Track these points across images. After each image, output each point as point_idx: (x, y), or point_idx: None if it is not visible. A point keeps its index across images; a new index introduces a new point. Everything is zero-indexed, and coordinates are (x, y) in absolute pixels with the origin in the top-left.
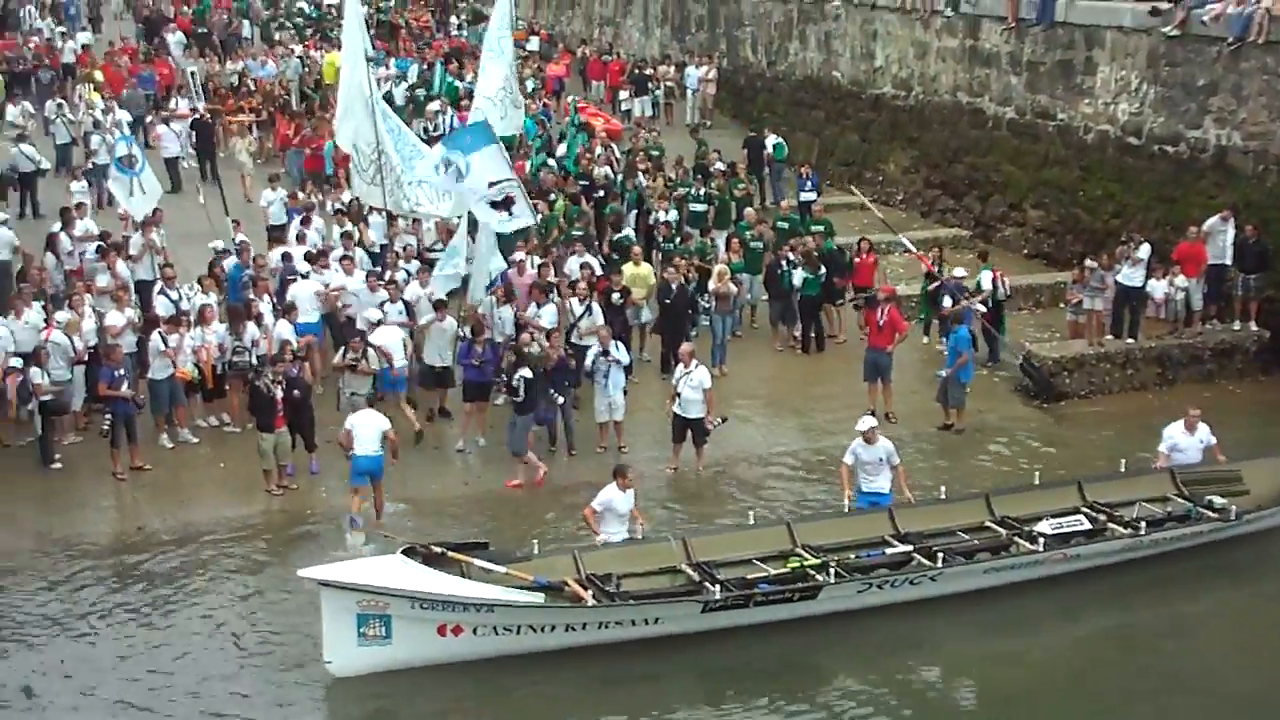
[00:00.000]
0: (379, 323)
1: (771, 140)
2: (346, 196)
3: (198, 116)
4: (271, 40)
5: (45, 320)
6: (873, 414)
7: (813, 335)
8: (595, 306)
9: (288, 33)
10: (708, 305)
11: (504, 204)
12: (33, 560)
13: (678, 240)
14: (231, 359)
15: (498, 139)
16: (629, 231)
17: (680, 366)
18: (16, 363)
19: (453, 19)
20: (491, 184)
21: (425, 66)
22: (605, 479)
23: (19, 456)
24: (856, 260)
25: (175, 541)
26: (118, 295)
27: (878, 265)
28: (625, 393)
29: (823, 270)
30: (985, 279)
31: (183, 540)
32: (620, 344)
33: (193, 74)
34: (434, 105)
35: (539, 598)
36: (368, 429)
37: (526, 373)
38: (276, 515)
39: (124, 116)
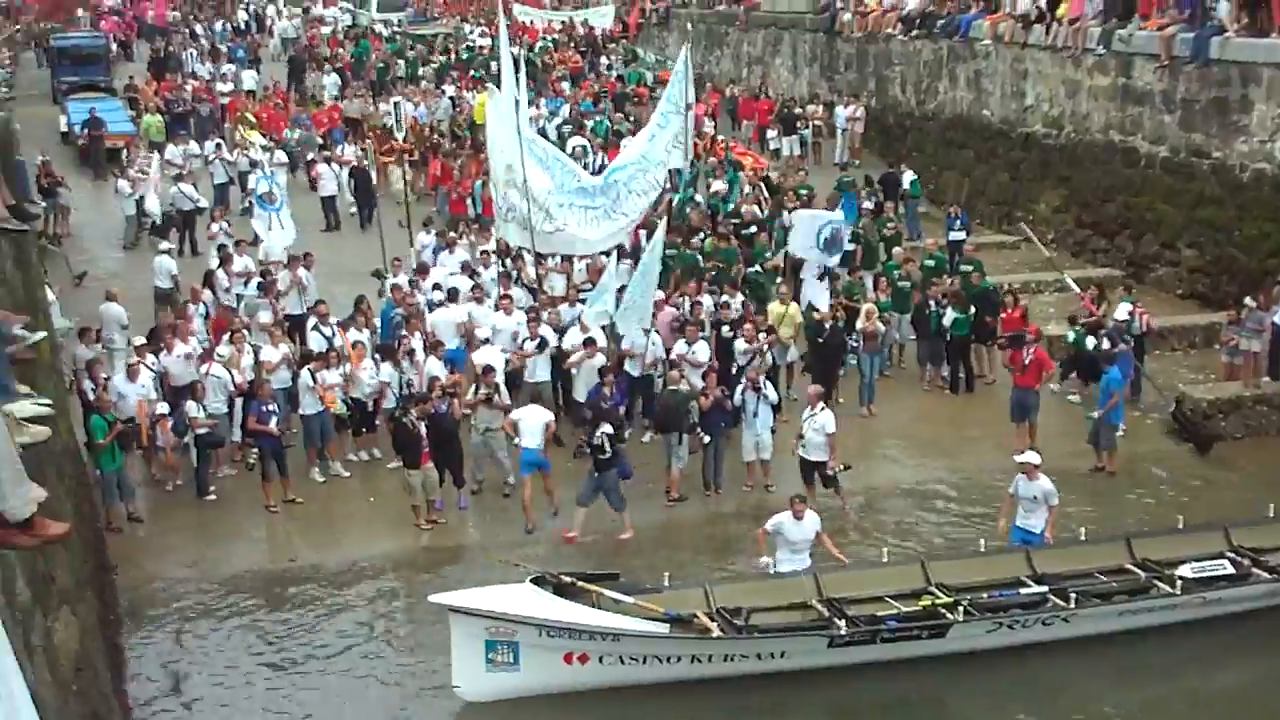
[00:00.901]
0: (486, 340)
1: (908, 177)
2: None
3: (356, 165)
4: (417, 80)
5: (202, 354)
6: (1033, 450)
7: (961, 375)
8: (767, 348)
9: (431, 69)
10: (855, 344)
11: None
12: (185, 588)
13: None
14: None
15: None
16: (758, 268)
17: (808, 408)
18: (163, 408)
19: (604, 60)
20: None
21: (574, 107)
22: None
23: (176, 488)
24: (1004, 314)
25: (323, 572)
26: (271, 331)
27: (1026, 315)
28: (773, 431)
29: (972, 310)
30: (1122, 311)
31: (330, 571)
32: (769, 382)
33: (395, 108)
34: (578, 140)
35: (664, 628)
36: (534, 422)
37: (608, 429)
38: (423, 549)
39: (281, 157)
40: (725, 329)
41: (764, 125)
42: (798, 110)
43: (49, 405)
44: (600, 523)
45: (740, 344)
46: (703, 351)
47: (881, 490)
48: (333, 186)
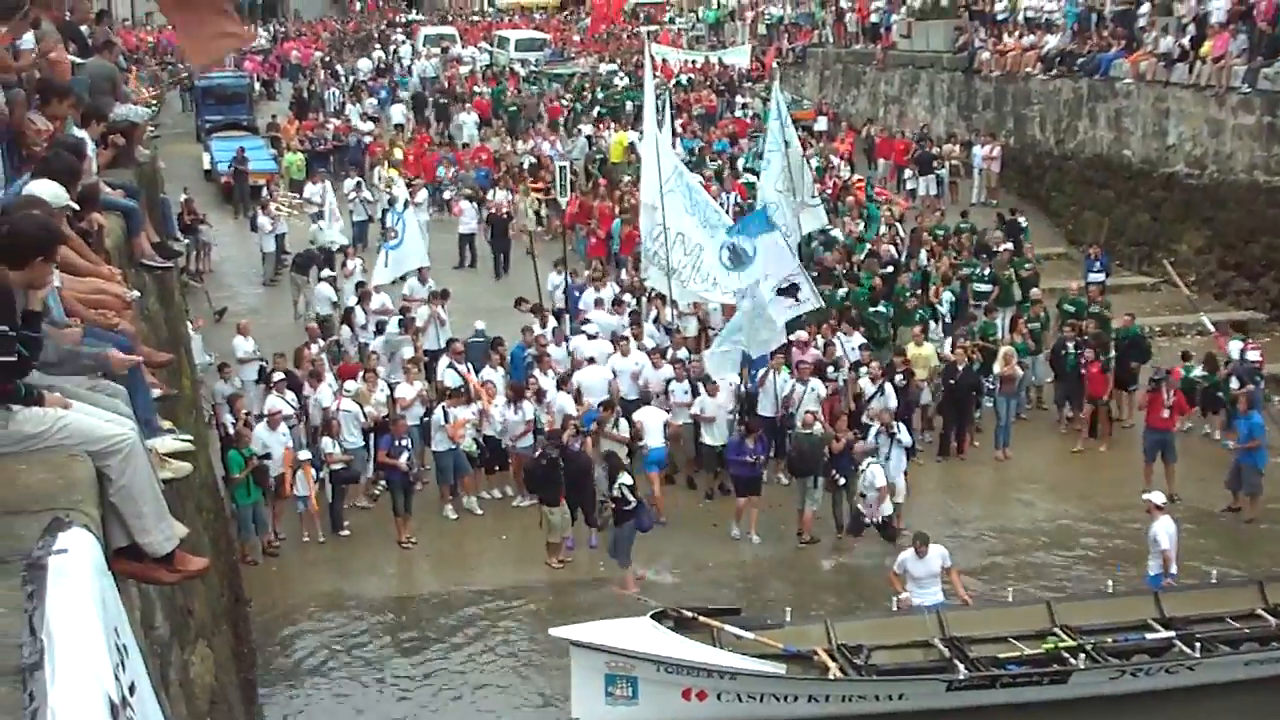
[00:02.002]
0: (591, 359)
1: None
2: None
3: (492, 211)
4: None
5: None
6: (1161, 491)
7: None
8: (888, 387)
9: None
10: (991, 386)
11: (789, 290)
12: (317, 622)
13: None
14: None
15: (777, 226)
16: (881, 308)
17: (858, 466)
18: (305, 454)
19: (739, 99)
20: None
21: (708, 145)
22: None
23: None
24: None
25: (452, 606)
26: (408, 367)
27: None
28: (905, 474)
29: (1113, 354)
30: (1234, 349)
31: (459, 605)
32: (903, 425)
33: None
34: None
35: (782, 668)
36: (655, 423)
37: (627, 479)
38: (551, 583)
39: (422, 195)
40: (861, 369)
41: (900, 165)
42: (934, 150)
43: (190, 440)
44: (728, 554)
45: (865, 383)
46: (822, 391)
47: (1013, 531)
48: (473, 224)
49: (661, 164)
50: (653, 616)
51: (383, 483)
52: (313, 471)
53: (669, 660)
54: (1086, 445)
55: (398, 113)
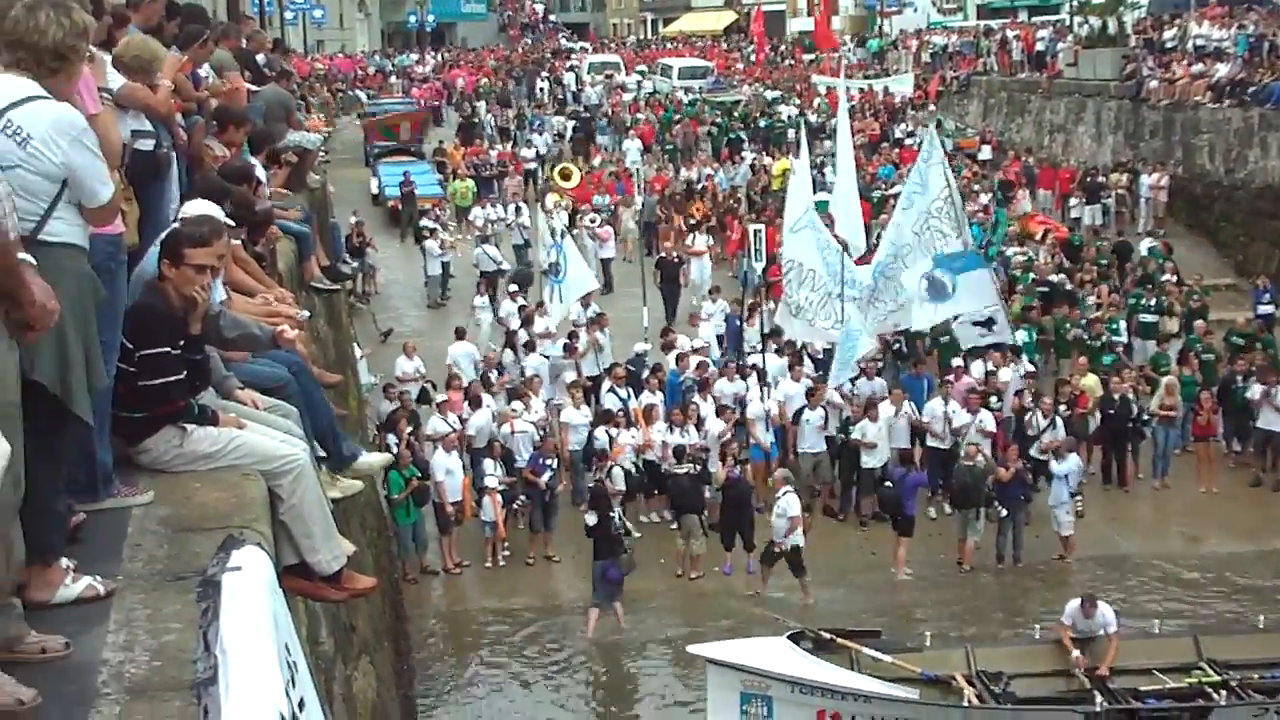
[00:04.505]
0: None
1: (1145, 244)
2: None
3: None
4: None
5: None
6: None
7: (1267, 452)
8: (1059, 420)
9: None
10: (1149, 416)
11: (986, 323)
12: (475, 638)
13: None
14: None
15: (988, 265)
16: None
17: (776, 493)
18: (492, 481)
19: (901, 127)
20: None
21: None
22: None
23: (469, 543)
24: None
25: (603, 624)
26: (572, 392)
27: None
28: (1071, 507)
29: None
30: None
31: (608, 623)
32: (1070, 456)
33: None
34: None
35: (915, 693)
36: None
37: (590, 518)
38: (698, 595)
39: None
40: (1028, 399)
41: (1066, 194)
42: (1101, 179)
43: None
44: (877, 576)
45: (1038, 416)
46: (989, 422)
47: (1163, 562)
48: (612, 250)
49: (796, 203)
50: (791, 637)
51: (524, 498)
52: (499, 498)
53: (804, 681)
54: (1258, 481)
55: (558, 139)
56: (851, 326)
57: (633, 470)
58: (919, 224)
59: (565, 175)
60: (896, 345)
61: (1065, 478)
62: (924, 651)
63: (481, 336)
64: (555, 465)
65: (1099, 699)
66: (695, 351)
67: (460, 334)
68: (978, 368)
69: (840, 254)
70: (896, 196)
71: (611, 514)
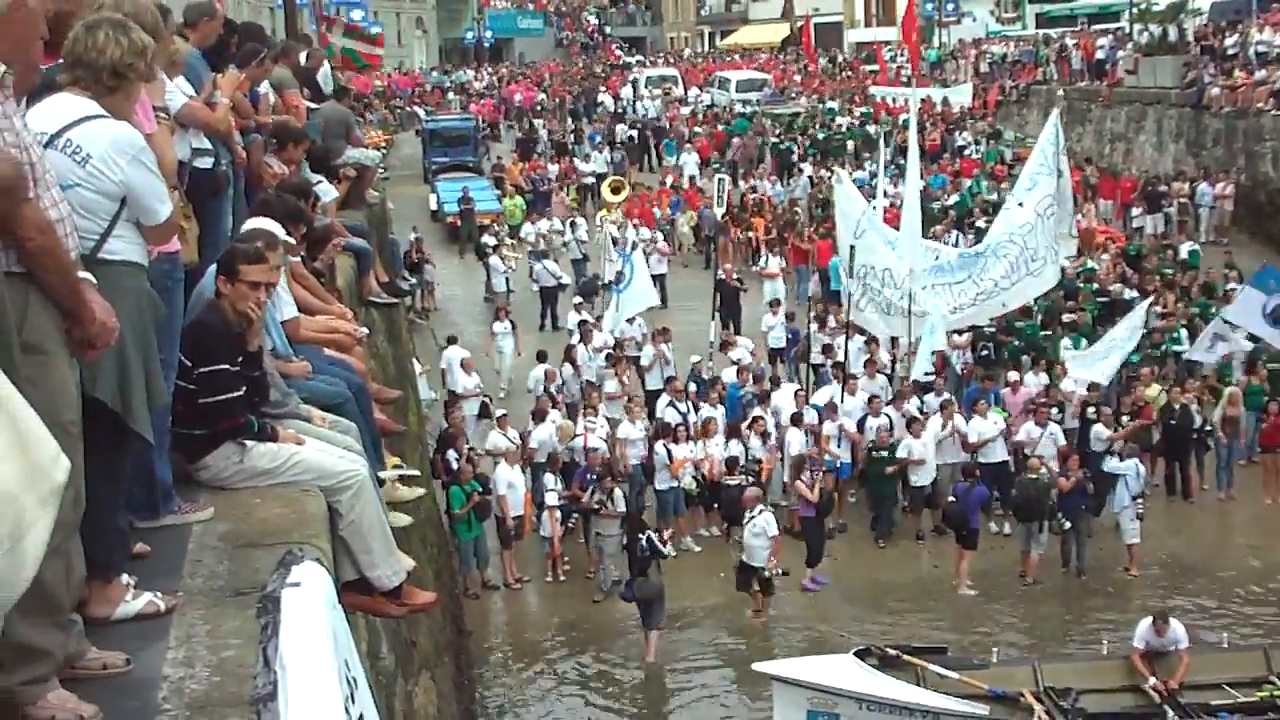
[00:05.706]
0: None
1: (1186, 247)
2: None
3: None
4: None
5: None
6: None
7: None
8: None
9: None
10: (1211, 426)
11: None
12: (535, 653)
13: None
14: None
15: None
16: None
17: (747, 512)
18: (552, 498)
19: (963, 136)
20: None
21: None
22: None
23: (530, 559)
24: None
25: (662, 637)
26: (629, 407)
27: None
28: (1135, 516)
29: None
30: None
31: (666, 636)
32: (1133, 466)
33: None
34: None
35: (985, 709)
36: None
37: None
38: (759, 625)
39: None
40: (1090, 410)
41: (1127, 203)
42: (1162, 188)
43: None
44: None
45: (1100, 429)
46: (1055, 436)
47: (1229, 575)
48: (664, 266)
49: (849, 211)
50: (856, 653)
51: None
52: (558, 514)
53: (871, 698)
54: None
55: (619, 148)
56: (933, 319)
57: (693, 485)
58: (1042, 204)
59: (616, 189)
60: (985, 352)
61: (1125, 479)
62: (990, 668)
63: (504, 364)
64: (595, 477)
65: (1170, 714)
66: (741, 368)
67: (452, 341)
68: (1033, 379)
69: (911, 237)
70: (952, 207)
71: (640, 536)
